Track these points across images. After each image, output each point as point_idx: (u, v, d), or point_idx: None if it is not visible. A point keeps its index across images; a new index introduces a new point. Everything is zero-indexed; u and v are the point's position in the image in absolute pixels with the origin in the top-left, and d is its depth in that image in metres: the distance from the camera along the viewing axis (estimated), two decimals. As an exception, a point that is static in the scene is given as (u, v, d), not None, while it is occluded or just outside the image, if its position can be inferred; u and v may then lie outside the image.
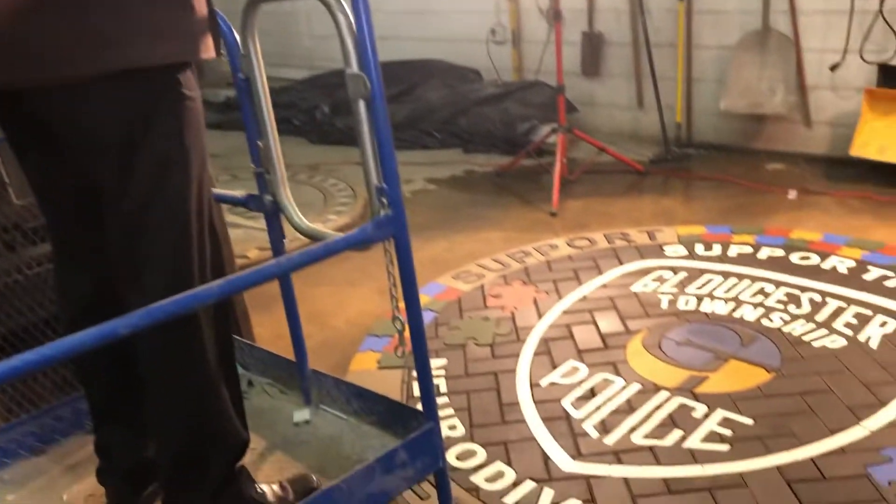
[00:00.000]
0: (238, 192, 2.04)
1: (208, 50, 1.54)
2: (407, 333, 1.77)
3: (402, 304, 1.73)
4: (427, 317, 3.18)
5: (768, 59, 4.84)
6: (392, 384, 2.74)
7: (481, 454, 2.34)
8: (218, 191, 2.13)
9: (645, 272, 3.43)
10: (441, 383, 2.73)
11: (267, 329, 3.06)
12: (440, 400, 2.62)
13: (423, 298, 3.33)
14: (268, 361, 2.30)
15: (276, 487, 1.77)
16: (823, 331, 2.83)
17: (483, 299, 3.32)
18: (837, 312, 2.95)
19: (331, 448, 2.00)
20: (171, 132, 1.48)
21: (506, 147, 5.57)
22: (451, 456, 2.33)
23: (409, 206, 4.85)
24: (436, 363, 2.84)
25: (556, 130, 4.76)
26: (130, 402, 1.73)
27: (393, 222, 1.62)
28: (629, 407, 2.48)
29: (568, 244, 3.82)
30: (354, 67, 1.55)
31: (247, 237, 4.10)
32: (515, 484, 2.19)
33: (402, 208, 1.64)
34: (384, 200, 1.61)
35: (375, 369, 2.85)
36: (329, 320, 3.37)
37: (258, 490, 1.73)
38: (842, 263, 3.35)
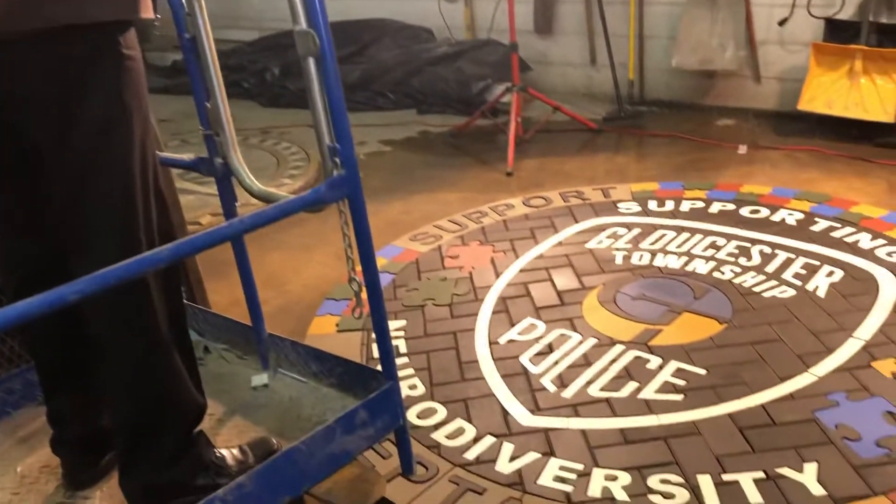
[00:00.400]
0: (187, 156, 2.00)
1: (147, 9, 1.49)
2: (364, 295, 1.75)
3: (358, 267, 1.72)
4: (385, 279, 3.18)
5: (718, 15, 4.86)
6: (352, 346, 2.74)
7: (442, 412, 2.36)
8: (166, 155, 2.09)
9: (600, 229, 3.47)
10: (400, 344, 2.73)
11: (222, 296, 3.02)
12: (400, 360, 2.63)
13: (381, 261, 3.32)
14: (223, 327, 2.27)
15: (235, 452, 1.77)
16: (773, 282, 2.90)
17: (441, 260, 3.33)
18: (786, 264, 3.02)
19: (290, 411, 2.00)
20: (110, 92, 1.43)
21: (460, 107, 5.54)
22: (411, 414, 2.35)
23: (364, 168, 4.80)
24: (395, 325, 2.85)
25: (510, 89, 4.74)
26: (82, 370, 1.70)
27: (347, 182, 1.60)
28: (586, 361, 2.52)
29: (524, 203, 3.83)
30: (303, 24, 1.51)
31: (200, 203, 4.02)
32: (476, 440, 2.22)
33: (356, 168, 1.62)
34: (337, 160, 1.59)
35: (335, 332, 2.84)
36: (285, 286, 3.34)
37: (217, 454, 1.72)
38: (790, 216, 3.43)
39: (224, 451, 1.75)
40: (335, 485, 1.82)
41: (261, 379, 2.11)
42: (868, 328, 2.55)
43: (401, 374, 2.56)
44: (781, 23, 4.76)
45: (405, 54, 6.04)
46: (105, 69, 1.43)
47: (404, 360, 2.64)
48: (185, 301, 1.90)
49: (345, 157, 1.59)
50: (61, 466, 1.80)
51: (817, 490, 1.91)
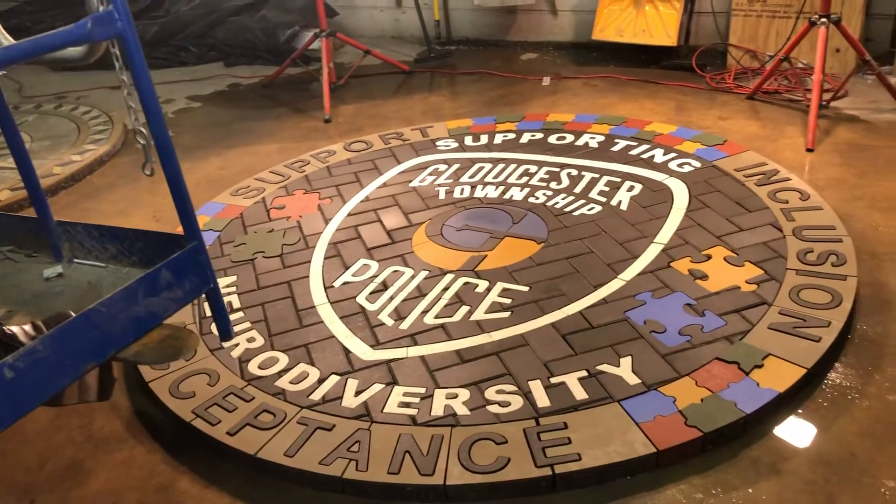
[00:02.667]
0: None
1: None
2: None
3: (142, 118, 1.57)
4: (209, 237, 3.11)
5: (513, -49, 5.04)
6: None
7: (283, 359, 2.38)
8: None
9: (422, 168, 3.56)
10: (234, 300, 2.71)
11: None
12: (235, 315, 2.62)
13: (203, 219, 3.24)
14: (6, 227, 2.04)
15: (27, 327, 1.59)
16: (581, 201, 3.13)
17: (266, 212, 3.29)
18: (592, 183, 3.26)
19: (89, 294, 1.81)
20: None
21: (269, 57, 5.42)
22: (253, 366, 2.35)
23: (174, 126, 4.63)
24: (225, 281, 2.81)
25: (319, 35, 4.68)
26: None
27: (116, 19, 1.39)
28: (419, 293, 2.63)
29: (345, 149, 3.85)
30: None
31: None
32: (320, 381, 2.27)
33: (126, 4, 1.42)
34: None
35: (163, 296, 2.76)
36: (104, 255, 3.18)
37: (7, 331, 1.60)
38: (593, 139, 3.68)
39: (14, 328, 1.59)
40: (144, 347, 1.70)
41: (54, 270, 1.92)
42: (666, 233, 2.83)
43: (237, 328, 2.55)
44: (571, -43, 5.00)
45: (205, 6, 5.78)
46: None
47: (239, 314, 2.63)
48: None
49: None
50: None
51: (633, 380, 2.13)
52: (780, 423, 2.02)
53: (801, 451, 1.93)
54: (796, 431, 1.99)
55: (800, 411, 2.05)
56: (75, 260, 1.93)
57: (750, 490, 1.84)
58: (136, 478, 2.07)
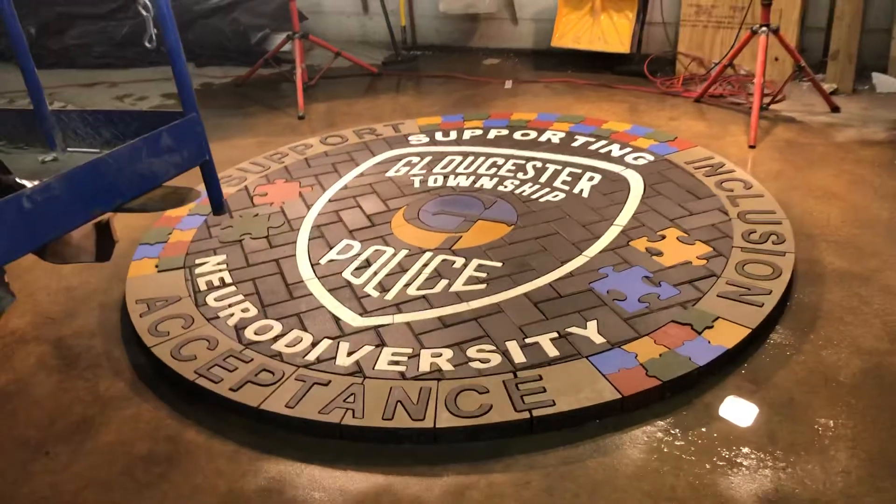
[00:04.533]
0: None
1: None
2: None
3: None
4: (196, 221, 3.27)
5: (477, -38, 5.30)
6: (177, 283, 2.83)
7: (277, 327, 2.56)
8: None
9: (396, 160, 3.78)
10: (225, 276, 2.87)
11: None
12: (227, 290, 2.78)
13: (189, 205, 3.39)
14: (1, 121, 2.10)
15: (37, 181, 1.63)
16: (547, 189, 3.38)
17: (250, 198, 3.47)
18: (555, 174, 3.52)
19: None
20: None
21: (241, 58, 5.58)
22: (249, 332, 2.53)
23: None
24: (215, 259, 2.98)
25: (291, 37, 4.87)
26: None
27: None
28: (401, 269, 2.84)
29: (321, 142, 4.04)
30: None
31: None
32: (314, 344, 2.45)
33: None
34: None
35: (155, 273, 2.92)
36: (92, 238, 3.31)
37: (18, 182, 1.68)
38: (554, 136, 3.95)
39: (26, 181, 1.69)
40: (149, 199, 1.83)
41: (49, 156, 1.98)
42: (624, 217, 3.09)
43: (231, 300, 2.72)
44: (532, -32, 5.29)
45: (175, 7, 5.88)
46: None
47: (231, 289, 2.80)
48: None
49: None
50: None
51: (599, 339, 2.37)
52: (729, 374, 2.28)
53: (748, 397, 2.19)
54: (743, 381, 2.26)
55: (746, 365, 2.32)
56: (69, 149, 2.01)
57: (703, 429, 2.09)
58: (144, 430, 2.23)
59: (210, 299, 2.73)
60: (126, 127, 1.97)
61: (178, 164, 1.82)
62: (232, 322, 2.59)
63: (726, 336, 2.35)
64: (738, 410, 2.15)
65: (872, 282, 2.67)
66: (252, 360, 2.40)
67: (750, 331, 2.37)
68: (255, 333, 2.53)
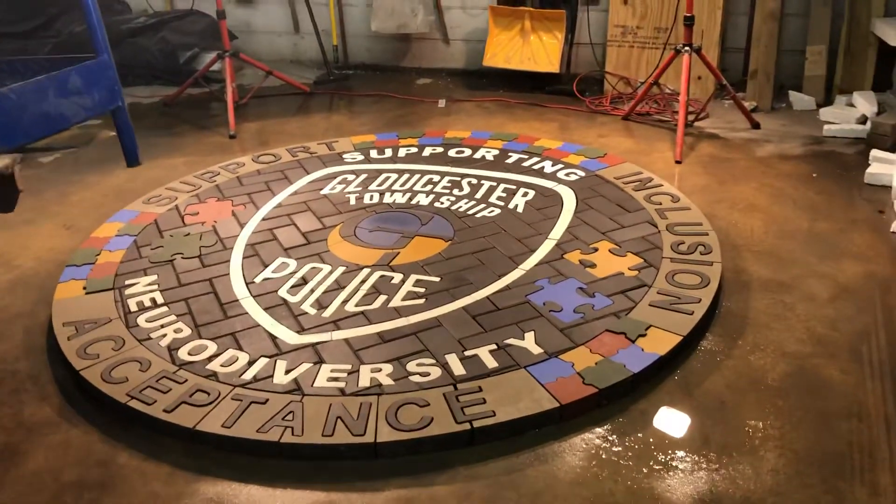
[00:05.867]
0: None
1: None
2: None
3: None
4: (125, 241, 3.18)
5: (408, -17, 5.36)
6: (105, 305, 2.75)
7: (212, 346, 2.51)
8: None
9: (331, 178, 3.77)
10: (156, 296, 2.81)
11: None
12: (158, 311, 2.71)
13: (117, 225, 3.31)
14: None
15: None
16: (482, 205, 3.42)
17: (181, 218, 3.40)
18: (490, 190, 3.56)
19: None
20: None
21: (169, 77, 5.48)
22: (183, 353, 2.47)
23: (76, 142, 4.62)
24: (145, 280, 2.90)
25: (221, 56, 4.82)
26: None
27: None
28: (338, 286, 2.82)
29: (254, 160, 4.00)
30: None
31: None
32: (250, 363, 2.41)
33: None
34: None
35: (83, 295, 2.83)
36: (15, 261, 3.20)
37: None
38: (489, 153, 4.00)
39: None
40: (55, 139, 1.76)
41: None
42: (558, 230, 3.15)
43: (163, 321, 2.66)
44: (462, -10, 5.38)
45: (100, 26, 5.77)
46: None
47: (163, 309, 2.73)
48: None
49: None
50: None
51: (536, 350, 2.41)
52: (662, 381, 2.34)
53: (681, 402, 2.25)
54: (676, 387, 2.31)
55: (679, 371, 2.38)
56: None
57: (640, 435, 2.14)
58: (74, 456, 2.15)
59: (141, 320, 2.66)
60: (34, 76, 1.88)
61: (88, 107, 1.76)
62: (165, 343, 2.53)
63: (659, 343, 2.41)
64: (673, 416, 2.20)
65: (795, 289, 2.78)
66: (186, 380, 2.34)
67: (681, 338, 2.44)
68: (189, 354, 2.48)
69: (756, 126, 4.35)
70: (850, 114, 4.28)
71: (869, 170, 3.60)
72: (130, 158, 1.94)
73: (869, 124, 4.06)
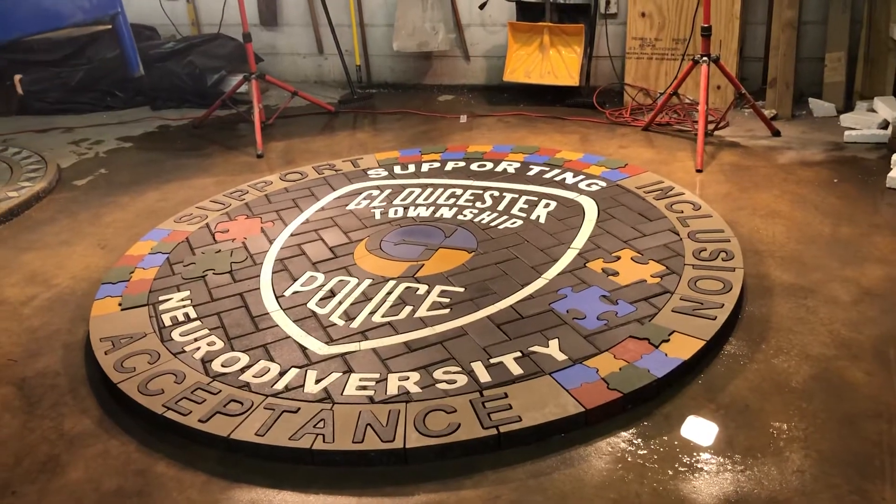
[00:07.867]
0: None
1: None
2: None
3: None
4: (158, 259, 3.28)
5: (428, 2, 5.45)
6: (140, 320, 2.84)
7: (244, 358, 2.58)
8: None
9: (356, 193, 3.84)
10: (189, 311, 2.88)
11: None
12: (191, 325, 2.79)
13: (150, 243, 3.41)
14: None
15: None
16: (505, 217, 3.47)
17: (212, 235, 3.49)
18: (512, 202, 3.62)
19: None
20: None
21: (196, 100, 5.61)
22: (216, 364, 2.54)
23: (108, 165, 4.80)
24: (178, 296, 2.99)
25: (248, 78, 4.93)
26: None
27: None
28: (365, 297, 2.88)
29: (281, 179, 4.09)
30: None
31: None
32: (281, 374, 2.48)
33: None
34: None
35: (119, 311, 2.91)
36: (52, 280, 3.30)
37: None
38: (510, 166, 4.06)
39: None
40: None
41: None
42: (580, 240, 3.19)
43: (197, 335, 2.74)
44: (481, 7, 5.47)
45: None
46: None
47: (196, 323, 2.81)
48: None
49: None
50: None
51: (560, 357, 2.44)
52: (686, 385, 2.36)
53: (706, 406, 2.28)
54: (700, 391, 2.34)
55: (702, 376, 2.40)
56: None
57: (665, 438, 2.16)
58: (113, 466, 2.22)
59: (175, 334, 2.74)
60: None
61: (85, 8, 1.80)
62: (198, 356, 2.61)
63: (682, 348, 2.44)
64: (697, 419, 2.23)
65: (817, 293, 2.79)
66: (220, 391, 2.41)
67: (704, 343, 2.47)
68: (223, 366, 2.55)
69: (776, 133, 4.36)
70: (872, 119, 4.29)
71: (891, 174, 3.61)
72: (131, 65, 1.97)
73: (890, 129, 4.06)
